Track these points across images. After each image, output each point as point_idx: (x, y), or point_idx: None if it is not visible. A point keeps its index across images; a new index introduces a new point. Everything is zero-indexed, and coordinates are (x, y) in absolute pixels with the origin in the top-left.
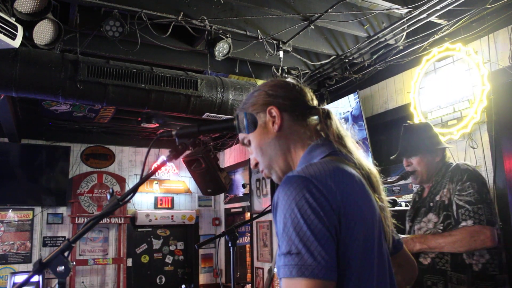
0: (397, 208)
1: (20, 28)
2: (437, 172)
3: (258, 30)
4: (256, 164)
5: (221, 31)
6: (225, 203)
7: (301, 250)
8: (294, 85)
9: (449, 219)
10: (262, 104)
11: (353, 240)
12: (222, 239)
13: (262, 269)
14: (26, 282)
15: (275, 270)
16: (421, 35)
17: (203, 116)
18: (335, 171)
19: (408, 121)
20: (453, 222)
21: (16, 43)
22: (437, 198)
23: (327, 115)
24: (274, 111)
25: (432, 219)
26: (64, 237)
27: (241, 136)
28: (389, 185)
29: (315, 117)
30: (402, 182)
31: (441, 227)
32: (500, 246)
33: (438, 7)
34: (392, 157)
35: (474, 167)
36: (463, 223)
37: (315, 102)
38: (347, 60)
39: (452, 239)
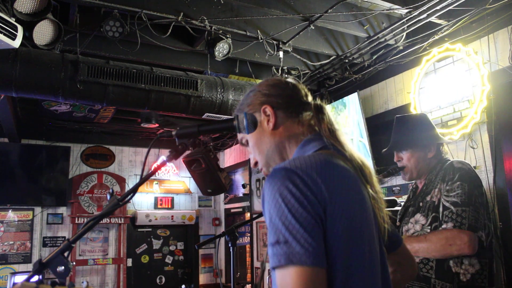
0: (396, 208)
1: (20, 28)
2: (431, 170)
3: (258, 30)
4: (256, 163)
5: (221, 31)
6: (225, 203)
7: (288, 238)
8: (287, 83)
9: (436, 222)
10: (257, 104)
11: (338, 231)
12: (222, 239)
13: None
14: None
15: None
16: (421, 35)
17: (203, 117)
18: (322, 163)
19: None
20: (439, 225)
21: (16, 43)
22: (428, 198)
23: (319, 110)
24: (268, 110)
25: (419, 220)
26: (64, 237)
27: (239, 136)
28: (382, 185)
29: (309, 113)
30: (402, 182)
31: (428, 230)
32: (490, 255)
33: (438, 7)
34: (383, 151)
35: (470, 166)
36: (443, 225)
37: (310, 98)
38: (347, 60)
39: (426, 244)
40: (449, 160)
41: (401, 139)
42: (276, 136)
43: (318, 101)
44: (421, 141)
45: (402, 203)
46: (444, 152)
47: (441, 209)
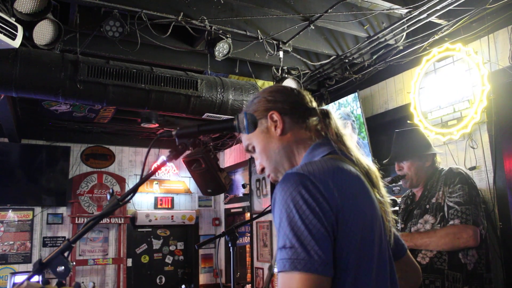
0: (397, 208)
1: (20, 28)
2: (430, 177)
3: (258, 30)
4: (263, 169)
5: (221, 31)
6: (225, 203)
7: (295, 244)
8: (292, 89)
9: (444, 220)
10: (263, 110)
11: (350, 237)
12: (222, 239)
13: (262, 269)
14: None
15: (275, 267)
16: (421, 35)
17: (203, 116)
18: (334, 169)
19: (409, 122)
20: (446, 223)
21: (16, 43)
22: (433, 200)
23: (326, 115)
24: (276, 116)
25: (429, 220)
26: (64, 237)
27: (245, 143)
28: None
29: (315, 118)
30: (393, 184)
31: (438, 227)
32: (486, 247)
33: (438, 7)
34: (384, 162)
35: (466, 171)
36: (451, 222)
37: (314, 104)
38: (347, 60)
39: (437, 238)
40: (443, 168)
41: (402, 151)
42: (284, 141)
43: (324, 106)
44: (419, 152)
45: (401, 207)
46: (438, 162)
47: (445, 208)
